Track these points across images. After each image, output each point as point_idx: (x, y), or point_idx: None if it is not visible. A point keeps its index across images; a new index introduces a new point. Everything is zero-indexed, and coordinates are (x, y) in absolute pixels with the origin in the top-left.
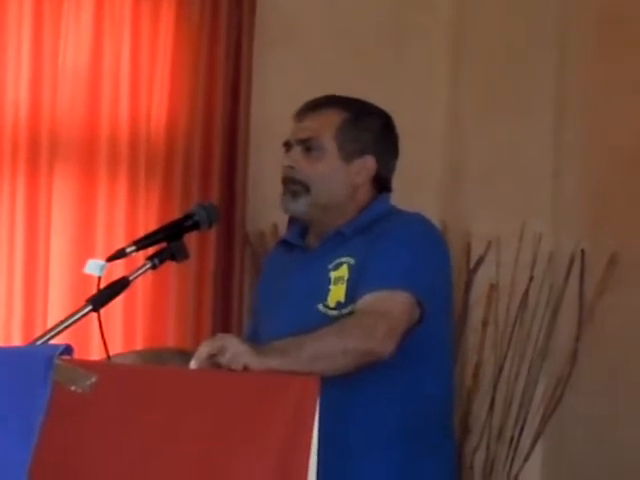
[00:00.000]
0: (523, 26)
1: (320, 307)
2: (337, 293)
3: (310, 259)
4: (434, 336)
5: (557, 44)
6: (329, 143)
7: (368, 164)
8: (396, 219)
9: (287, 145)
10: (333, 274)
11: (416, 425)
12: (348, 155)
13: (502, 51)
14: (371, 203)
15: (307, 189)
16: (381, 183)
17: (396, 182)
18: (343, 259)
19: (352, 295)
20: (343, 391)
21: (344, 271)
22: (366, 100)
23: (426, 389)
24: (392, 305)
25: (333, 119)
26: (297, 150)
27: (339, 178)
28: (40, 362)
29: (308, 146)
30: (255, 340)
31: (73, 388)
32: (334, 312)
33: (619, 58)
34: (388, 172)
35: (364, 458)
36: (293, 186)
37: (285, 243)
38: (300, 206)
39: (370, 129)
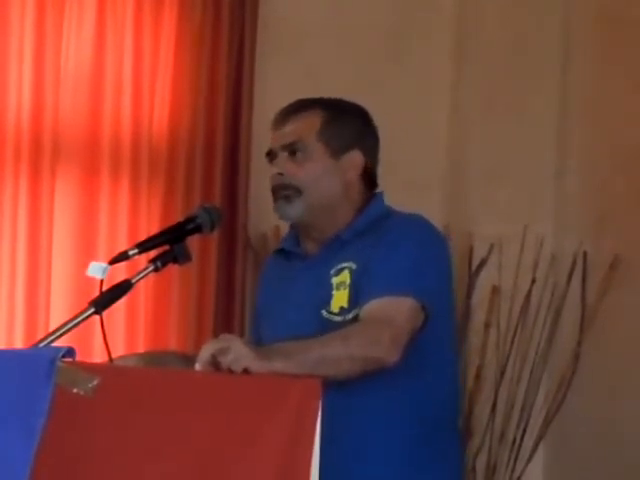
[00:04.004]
0: (526, 26)
1: (324, 313)
2: (340, 299)
3: (311, 266)
4: (438, 338)
5: (560, 44)
6: (314, 143)
7: (356, 158)
8: (396, 221)
9: (270, 154)
10: (335, 280)
11: (423, 429)
12: (335, 152)
13: (504, 52)
14: (367, 204)
15: (299, 192)
16: (370, 178)
17: (399, 184)
18: (344, 264)
19: (355, 300)
20: (349, 396)
21: (346, 276)
22: (341, 98)
23: (432, 392)
24: (397, 312)
25: (313, 120)
26: (283, 156)
27: (330, 176)
28: (42, 364)
29: (293, 149)
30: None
31: (75, 390)
32: (338, 318)
33: (623, 58)
34: (375, 166)
35: (371, 463)
36: (284, 191)
37: (282, 251)
38: (296, 209)
39: (351, 124)
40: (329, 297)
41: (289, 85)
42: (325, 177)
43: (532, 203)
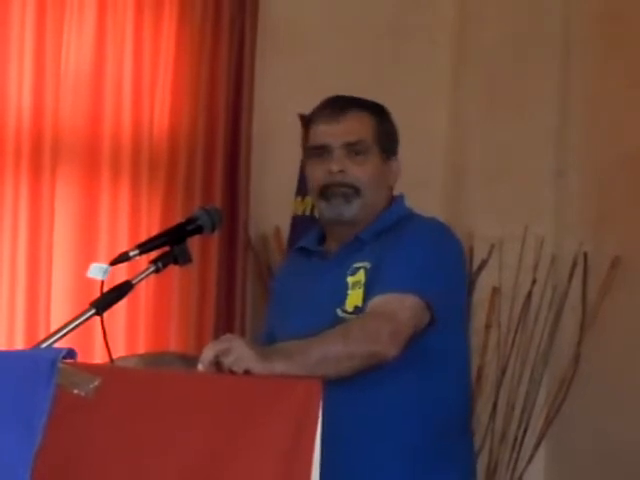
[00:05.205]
0: (526, 25)
1: (339, 311)
2: (355, 298)
3: (328, 265)
4: (448, 340)
5: (560, 44)
6: (372, 146)
7: (397, 164)
8: (413, 224)
9: (322, 149)
10: (350, 279)
11: (434, 430)
12: (386, 157)
13: (504, 52)
14: (388, 207)
15: (357, 192)
16: None
17: (399, 184)
18: (360, 264)
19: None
20: (358, 396)
21: (361, 276)
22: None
23: (443, 393)
24: (399, 308)
25: (369, 121)
26: (341, 153)
27: (383, 180)
28: (43, 365)
29: (356, 149)
30: (271, 345)
31: (76, 391)
32: (352, 316)
33: (623, 58)
34: None
35: (380, 464)
36: (343, 189)
37: (302, 249)
38: (352, 210)
39: (393, 128)
40: (345, 296)
41: (289, 86)
42: (379, 181)
43: (532, 204)
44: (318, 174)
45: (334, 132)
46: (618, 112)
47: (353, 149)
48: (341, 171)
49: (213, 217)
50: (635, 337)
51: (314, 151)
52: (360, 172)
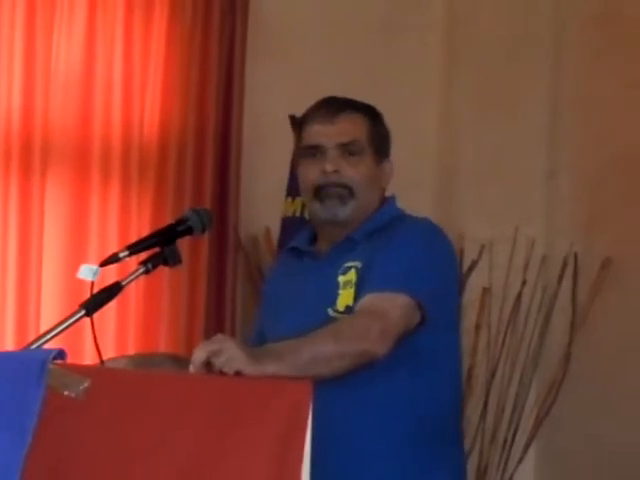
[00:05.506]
0: (517, 26)
1: (330, 311)
2: (346, 297)
3: (320, 265)
4: (439, 340)
5: (551, 44)
6: (366, 147)
7: (390, 167)
8: (405, 224)
9: (316, 149)
10: (341, 279)
11: (425, 430)
12: (379, 158)
13: (496, 53)
14: (380, 207)
15: (352, 193)
16: None
17: (389, 185)
18: (351, 263)
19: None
20: (350, 396)
21: (352, 275)
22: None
23: (434, 393)
24: (389, 307)
25: (363, 122)
26: (336, 154)
27: (376, 181)
28: (33, 366)
29: (350, 150)
30: (261, 345)
31: (66, 393)
32: (344, 316)
33: (614, 58)
34: None
35: (372, 464)
36: (339, 190)
37: (294, 250)
38: (347, 211)
39: (386, 130)
40: (336, 296)
41: (280, 86)
42: (372, 181)
43: (523, 205)
44: (312, 174)
45: (328, 132)
46: (609, 113)
47: (347, 149)
48: (335, 171)
49: (203, 218)
50: (625, 338)
51: (308, 151)
52: (354, 173)
